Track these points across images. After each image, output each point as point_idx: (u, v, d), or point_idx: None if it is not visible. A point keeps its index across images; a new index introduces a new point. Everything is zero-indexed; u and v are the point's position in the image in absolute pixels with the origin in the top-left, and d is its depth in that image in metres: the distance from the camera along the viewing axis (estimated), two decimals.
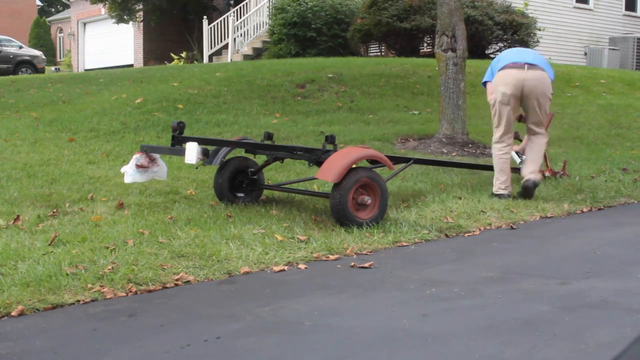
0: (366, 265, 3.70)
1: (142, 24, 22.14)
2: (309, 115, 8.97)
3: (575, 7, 18.28)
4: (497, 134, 5.69)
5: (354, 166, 4.47)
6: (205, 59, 18.88)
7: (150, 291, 3.25)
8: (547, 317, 2.87)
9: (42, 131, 7.62)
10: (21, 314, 2.91)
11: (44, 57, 23.41)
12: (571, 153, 7.67)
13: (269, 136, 5.16)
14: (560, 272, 3.61)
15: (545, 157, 6.30)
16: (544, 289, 3.30)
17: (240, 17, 18.86)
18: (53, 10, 45.64)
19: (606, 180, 6.38)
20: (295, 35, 15.27)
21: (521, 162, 6.02)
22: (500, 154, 5.65)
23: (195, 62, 19.03)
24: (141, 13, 21.18)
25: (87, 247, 3.75)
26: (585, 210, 5.39)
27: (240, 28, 18.68)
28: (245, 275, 3.54)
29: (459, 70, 7.74)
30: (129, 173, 4.57)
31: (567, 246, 4.29)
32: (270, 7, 17.39)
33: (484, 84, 5.94)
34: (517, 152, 6.14)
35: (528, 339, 2.63)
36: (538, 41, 15.23)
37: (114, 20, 20.80)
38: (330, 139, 4.91)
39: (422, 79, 11.05)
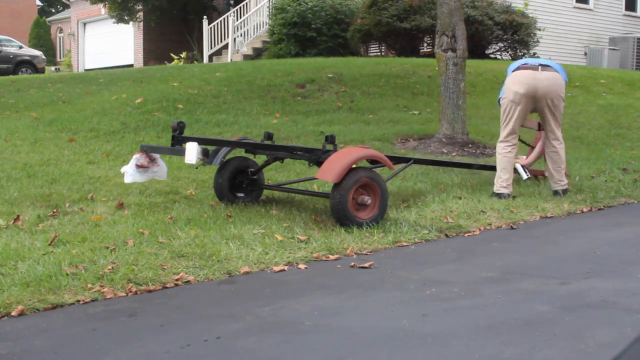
0: (366, 265, 3.70)
1: (142, 24, 22.14)
2: (309, 115, 8.97)
3: (575, 7, 18.28)
4: (503, 132, 5.69)
5: (354, 166, 4.47)
6: (205, 59, 18.88)
7: (150, 291, 3.25)
8: (547, 317, 2.87)
9: (42, 131, 7.62)
10: (21, 314, 2.91)
11: (44, 57, 23.41)
12: (571, 153, 7.66)
13: (269, 136, 5.16)
14: (560, 272, 3.61)
15: (538, 155, 6.31)
16: (544, 289, 3.30)
17: (240, 17, 18.86)
18: (53, 10, 45.64)
19: (606, 180, 6.38)
20: (295, 35, 15.27)
21: (528, 178, 6.04)
22: (505, 152, 5.65)
23: (195, 62, 19.03)
24: (141, 13, 21.18)
25: (87, 247, 3.75)
26: (585, 210, 5.39)
27: (240, 28, 18.68)
28: (245, 275, 3.54)
29: (459, 70, 7.74)
30: (129, 173, 4.56)
31: (567, 246, 4.29)
32: (270, 7, 17.39)
33: (499, 101, 5.90)
34: (523, 167, 6.14)
35: (528, 339, 2.63)
36: (538, 41, 15.23)
37: (114, 20, 20.81)
38: (330, 139, 4.91)
39: (422, 79, 11.05)
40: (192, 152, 4.32)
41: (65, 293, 3.12)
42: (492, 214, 4.99)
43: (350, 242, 4.11)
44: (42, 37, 35.79)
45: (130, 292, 3.21)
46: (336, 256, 3.89)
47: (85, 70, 25.63)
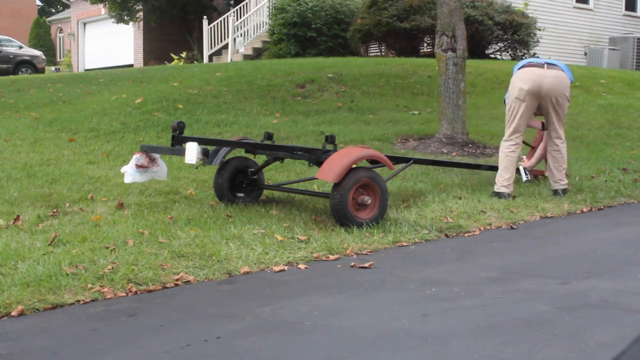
0: (366, 265, 3.70)
1: (142, 24, 22.14)
2: (309, 115, 8.97)
3: (575, 7, 18.28)
4: (507, 131, 5.68)
5: (354, 166, 4.47)
6: (205, 59, 18.88)
7: (150, 291, 3.25)
8: (547, 317, 2.87)
9: (42, 131, 7.62)
10: (21, 314, 2.91)
11: (44, 57, 23.41)
12: (571, 153, 7.65)
13: (269, 136, 5.16)
14: (560, 272, 3.61)
15: (540, 157, 6.31)
16: (544, 289, 3.30)
17: (240, 17, 18.87)
18: (53, 10, 45.64)
19: (606, 180, 6.38)
20: (295, 35, 15.27)
21: (528, 181, 6.04)
22: (508, 151, 5.64)
23: (195, 62, 19.03)
24: (141, 13, 21.18)
25: (87, 247, 3.75)
26: (585, 210, 5.39)
27: (240, 28, 18.68)
28: (245, 275, 3.54)
29: (459, 70, 7.74)
30: (129, 173, 4.56)
31: (567, 246, 4.29)
32: (270, 7, 17.39)
33: (505, 100, 5.90)
34: (524, 169, 6.13)
35: (528, 339, 2.63)
36: (538, 41, 15.23)
37: (114, 20, 20.82)
38: (330, 139, 4.91)
39: (422, 79, 11.05)
40: (192, 152, 4.32)
41: (65, 293, 3.12)
42: (492, 214, 4.99)
43: (350, 242, 4.11)
44: (42, 37, 35.79)
45: (130, 292, 3.21)
46: (336, 256, 3.89)
47: (85, 70, 25.64)
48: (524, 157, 6.37)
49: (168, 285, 3.32)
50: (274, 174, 6.04)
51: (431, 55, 12.62)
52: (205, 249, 3.79)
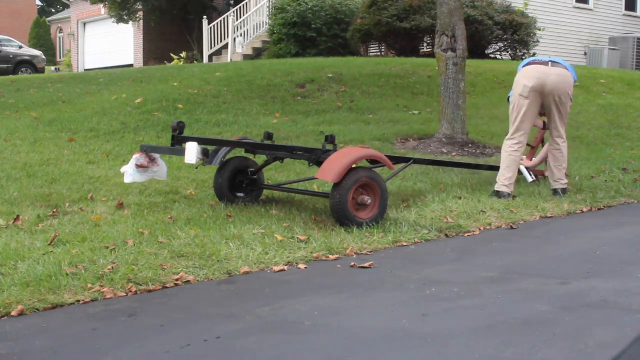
0: (366, 265, 3.70)
1: (142, 24, 22.14)
2: (309, 115, 8.97)
3: (575, 7, 18.28)
4: (511, 129, 5.66)
5: (354, 166, 4.47)
6: (205, 59, 18.89)
7: (150, 291, 3.25)
8: (547, 317, 2.87)
9: (42, 131, 7.62)
10: (21, 314, 2.91)
11: (44, 57, 23.42)
12: (571, 153, 7.65)
13: (269, 136, 5.16)
14: (560, 272, 3.61)
15: (544, 157, 6.31)
16: (544, 289, 3.30)
17: (240, 17, 18.87)
18: (53, 10, 45.64)
19: (606, 180, 6.38)
20: (295, 35, 15.27)
21: (532, 182, 6.03)
22: (511, 150, 5.62)
23: (195, 62, 19.03)
24: (141, 13, 21.18)
25: (87, 247, 3.75)
26: (585, 210, 5.39)
27: (240, 28, 18.68)
28: (245, 275, 3.54)
29: (459, 70, 7.74)
30: (129, 173, 4.56)
31: (567, 246, 4.29)
32: (270, 7, 17.40)
33: (509, 99, 5.89)
34: (527, 169, 6.13)
35: (528, 339, 2.63)
36: (538, 41, 15.23)
37: (114, 20, 20.82)
38: (330, 139, 4.91)
39: (422, 79, 11.05)
40: (192, 152, 4.32)
41: (65, 293, 3.12)
42: (492, 214, 4.99)
43: (350, 242, 4.11)
44: (42, 37, 35.79)
45: (130, 292, 3.21)
46: (336, 256, 3.89)
47: (85, 70, 25.64)
48: (524, 156, 6.36)
49: (168, 285, 3.32)
50: (274, 174, 6.04)
51: (431, 55, 12.62)
52: (205, 249, 3.79)
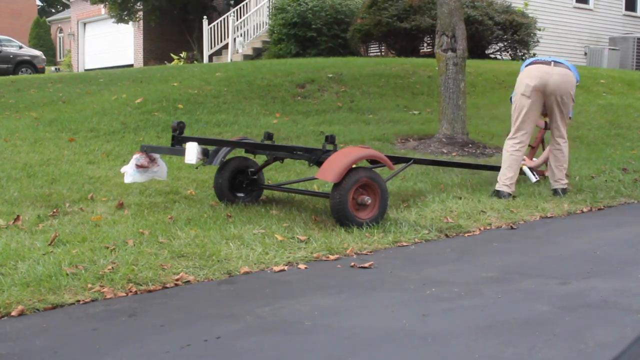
0: (366, 265, 3.70)
1: (142, 24, 22.14)
2: (309, 115, 8.97)
3: (575, 7, 18.28)
4: (512, 128, 5.65)
5: (354, 166, 4.47)
6: (205, 59, 18.89)
7: (150, 291, 3.25)
8: (547, 317, 2.87)
9: (42, 131, 7.62)
10: (21, 314, 2.91)
11: (44, 57, 23.42)
12: (571, 153, 7.64)
13: (269, 136, 5.16)
14: (560, 272, 3.61)
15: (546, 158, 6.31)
16: (544, 289, 3.30)
17: (240, 17, 18.87)
18: (53, 10, 45.64)
19: (606, 180, 6.38)
20: (295, 35, 15.28)
21: (536, 182, 6.03)
22: (512, 150, 5.60)
23: (195, 62, 19.04)
24: (141, 13, 21.18)
25: (87, 247, 3.75)
26: (585, 210, 5.39)
27: (240, 28, 18.69)
28: (245, 275, 3.54)
29: (459, 70, 7.74)
30: (129, 173, 4.56)
31: (567, 246, 4.29)
32: (270, 7, 17.40)
33: (511, 99, 5.89)
34: (531, 169, 6.12)
35: (528, 339, 2.63)
36: (538, 41, 15.23)
37: (114, 20, 20.82)
38: (330, 139, 4.91)
39: (422, 79, 11.05)
40: (192, 152, 4.32)
41: (65, 293, 3.12)
42: (492, 214, 4.99)
43: (350, 242, 4.11)
44: (42, 37, 35.79)
45: (130, 292, 3.21)
46: (336, 256, 3.89)
47: (85, 70, 25.64)
48: (525, 157, 6.36)
49: (168, 285, 3.32)
50: (274, 174, 6.04)
51: (431, 55, 12.62)
52: (205, 249, 3.79)
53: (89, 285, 3.21)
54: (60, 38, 36.75)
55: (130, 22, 21.03)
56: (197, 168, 5.89)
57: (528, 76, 5.54)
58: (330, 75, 10.70)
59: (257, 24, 18.77)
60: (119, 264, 3.47)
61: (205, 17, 19.33)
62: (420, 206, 5.08)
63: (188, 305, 3.07)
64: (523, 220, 4.95)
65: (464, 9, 10.09)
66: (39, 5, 42.93)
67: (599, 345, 2.56)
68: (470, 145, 7.65)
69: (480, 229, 4.66)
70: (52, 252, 3.63)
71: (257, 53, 18.13)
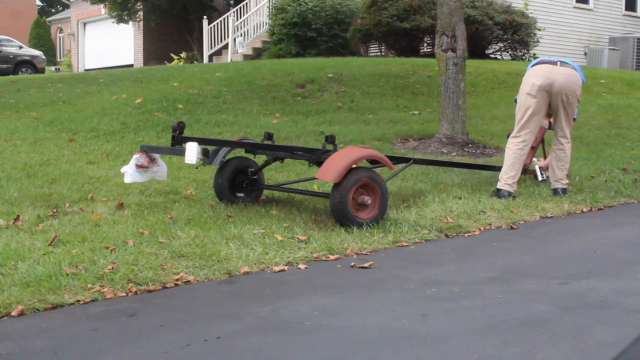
0: (366, 265, 3.70)
1: (142, 24, 22.15)
2: (309, 115, 8.97)
3: (575, 7, 18.28)
4: (515, 128, 5.64)
5: (354, 166, 4.47)
6: (205, 59, 18.89)
7: (150, 291, 3.25)
8: (547, 317, 2.87)
9: (42, 131, 7.62)
10: (21, 314, 2.91)
11: (44, 57, 23.42)
12: (571, 153, 7.66)
13: (269, 136, 5.16)
14: (560, 272, 3.61)
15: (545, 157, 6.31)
16: (544, 289, 3.30)
17: (240, 17, 18.87)
18: (53, 10, 45.64)
19: (606, 180, 6.38)
20: (295, 36, 15.28)
21: (543, 180, 6.03)
22: (515, 148, 5.59)
23: (195, 62, 19.03)
24: (141, 13, 21.18)
25: (87, 247, 3.75)
26: (585, 210, 5.39)
27: (240, 28, 18.68)
28: (245, 275, 3.54)
29: (459, 70, 7.74)
30: (129, 173, 4.56)
31: (567, 246, 4.29)
32: (270, 7, 17.40)
33: (516, 100, 5.88)
34: (540, 169, 6.11)
35: (528, 339, 2.63)
36: (538, 41, 15.23)
37: (114, 20, 20.82)
38: (330, 139, 4.91)
39: (422, 79, 11.05)
40: (192, 152, 4.32)
41: (65, 293, 3.12)
42: (492, 214, 4.99)
43: (350, 242, 4.11)
44: (42, 37, 35.80)
45: (130, 292, 3.21)
46: (336, 256, 3.89)
47: (85, 70, 25.64)
48: (537, 158, 6.35)
49: (168, 285, 3.32)
50: (274, 174, 6.04)
51: (431, 55, 12.62)
52: (205, 249, 3.79)
53: (89, 285, 3.21)
54: (60, 38, 36.76)
55: (130, 22, 21.04)
56: (197, 168, 5.89)
57: (534, 75, 5.54)
58: (330, 75, 10.70)
59: (257, 24, 18.77)
60: (119, 264, 3.47)
61: (205, 17, 19.33)
62: (420, 206, 5.08)
63: (188, 305, 3.07)
64: (523, 220, 4.95)
65: (464, 9, 10.08)
66: (39, 5, 42.94)
67: (599, 345, 2.56)
68: (470, 145, 7.65)
69: (480, 229, 4.66)
70: (52, 252, 3.63)
71: (257, 53, 18.13)
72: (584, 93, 11.13)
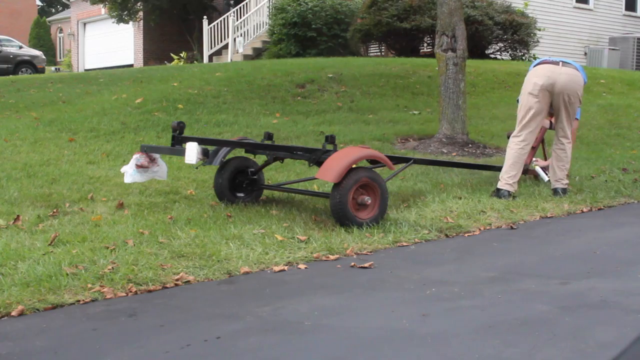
0: (366, 265, 3.70)
1: (142, 24, 22.15)
2: (309, 115, 8.97)
3: (575, 7, 18.28)
4: (517, 127, 5.64)
5: (354, 166, 4.47)
6: (205, 59, 18.89)
7: (150, 291, 3.25)
8: (547, 317, 2.87)
9: (42, 131, 7.62)
10: (21, 314, 2.91)
11: (44, 57, 23.42)
12: (571, 153, 7.65)
13: (269, 136, 5.16)
14: (560, 272, 3.61)
15: (545, 157, 6.31)
16: (544, 289, 3.30)
17: (240, 17, 18.87)
18: (53, 10, 45.65)
19: (606, 180, 6.38)
20: (295, 35, 15.28)
21: (549, 181, 6.02)
22: (517, 148, 5.58)
23: (195, 62, 19.03)
24: (141, 13, 21.18)
25: (87, 247, 3.75)
26: (585, 210, 5.39)
27: (240, 28, 18.69)
28: (245, 275, 3.54)
29: (459, 70, 7.74)
30: (129, 173, 4.56)
31: (567, 246, 4.29)
32: (270, 7, 17.40)
33: (518, 100, 5.88)
34: (543, 169, 6.11)
35: (528, 339, 2.63)
36: (538, 41, 15.23)
37: (114, 20, 20.82)
38: (330, 139, 4.91)
39: (422, 79, 11.05)
40: (192, 152, 4.32)
41: (65, 293, 3.12)
42: (492, 214, 4.99)
43: (350, 242, 4.11)
44: (42, 37, 35.80)
45: (130, 292, 3.21)
46: (336, 256, 3.88)
47: (85, 70, 25.64)
48: (536, 159, 6.34)
49: (168, 285, 3.32)
50: (274, 174, 6.04)
51: (431, 55, 12.62)
52: (205, 249, 3.79)
53: (89, 285, 3.21)
54: (60, 38, 36.76)
55: (130, 22, 21.04)
56: (197, 168, 5.89)
57: (536, 75, 5.54)
58: (330, 75, 10.70)
59: (257, 24, 18.77)
60: (119, 264, 3.47)
61: (205, 17, 19.33)
62: (420, 206, 5.08)
63: (188, 305, 3.07)
64: (523, 220, 4.95)
65: (464, 9, 10.08)
66: (39, 5, 42.93)
67: (599, 345, 2.56)
68: (470, 145, 7.65)
69: (480, 229, 4.66)
70: (52, 252, 3.63)
71: (257, 53, 18.13)
72: (584, 93, 11.15)
